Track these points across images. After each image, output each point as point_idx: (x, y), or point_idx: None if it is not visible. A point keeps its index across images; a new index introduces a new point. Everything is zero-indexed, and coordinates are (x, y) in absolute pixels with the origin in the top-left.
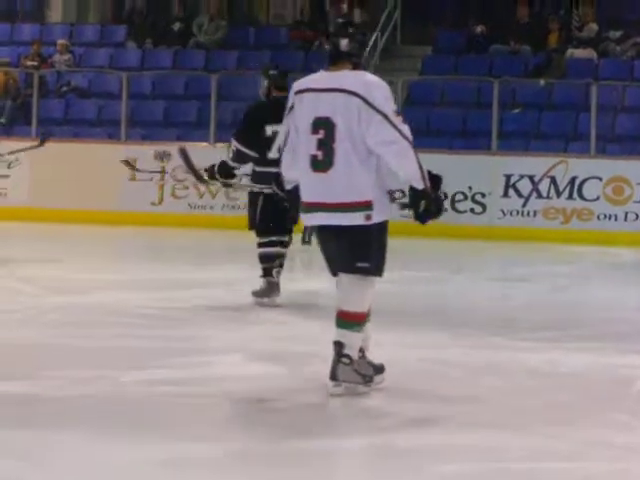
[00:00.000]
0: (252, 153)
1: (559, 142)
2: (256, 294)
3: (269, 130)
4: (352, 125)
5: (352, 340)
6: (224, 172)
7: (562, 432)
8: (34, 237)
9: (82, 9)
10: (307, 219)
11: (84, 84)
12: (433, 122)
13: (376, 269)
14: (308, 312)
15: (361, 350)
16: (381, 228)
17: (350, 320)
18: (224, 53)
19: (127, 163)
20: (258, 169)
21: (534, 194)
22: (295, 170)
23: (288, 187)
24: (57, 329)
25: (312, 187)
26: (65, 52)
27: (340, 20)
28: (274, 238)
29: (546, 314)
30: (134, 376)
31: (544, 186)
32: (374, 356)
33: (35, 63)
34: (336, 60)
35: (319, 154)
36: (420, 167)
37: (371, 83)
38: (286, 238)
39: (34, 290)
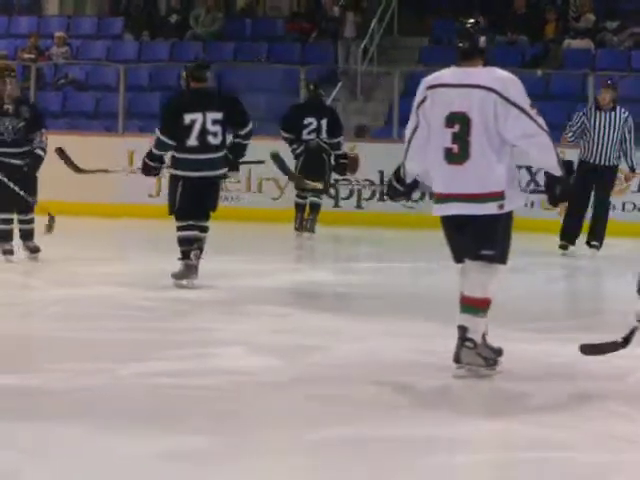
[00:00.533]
0: (171, 142)
1: (556, 132)
2: (175, 276)
3: (187, 119)
4: (488, 119)
5: (476, 324)
6: (152, 159)
7: (565, 422)
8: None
9: (79, 2)
10: (441, 209)
11: (81, 76)
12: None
13: (501, 257)
14: (309, 304)
15: (482, 334)
16: (508, 217)
17: (474, 305)
18: (221, 45)
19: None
20: (177, 155)
21: (532, 185)
22: (419, 163)
23: (408, 180)
24: (58, 322)
25: (447, 179)
26: (62, 45)
27: (472, 20)
28: (192, 222)
29: (542, 305)
30: (134, 369)
31: (542, 177)
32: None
33: (32, 56)
34: (471, 56)
35: (454, 147)
36: (557, 155)
37: (506, 79)
38: (205, 223)
39: (35, 283)
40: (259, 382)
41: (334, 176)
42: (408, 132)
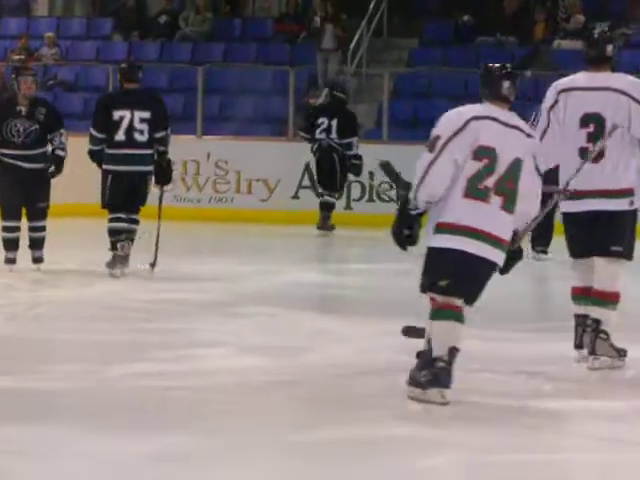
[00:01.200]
0: (100, 135)
1: None
2: (107, 265)
3: (116, 115)
4: (621, 120)
5: (608, 317)
6: (91, 156)
7: (547, 423)
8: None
9: (68, 2)
10: (575, 205)
11: (71, 77)
12: (420, 114)
13: (628, 253)
14: (298, 305)
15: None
16: (634, 214)
17: (606, 298)
18: (210, 46)
19: None
20: (107, 150)
21: None
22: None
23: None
24: (47, 323)
25: (583, 176)
26: (52, 46)
27: (604, 29)
28: (121, 215)
29: (526, 305)
30: (122, 370)
31: None
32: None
33: (22, 57)
34: (601, 63)
35: (589, 146)
36: None
37: (638, 83)
38: (134, 216)
39: (24, 285)
40: (246, 383)
41: (350, 177)
42: (538, 133)
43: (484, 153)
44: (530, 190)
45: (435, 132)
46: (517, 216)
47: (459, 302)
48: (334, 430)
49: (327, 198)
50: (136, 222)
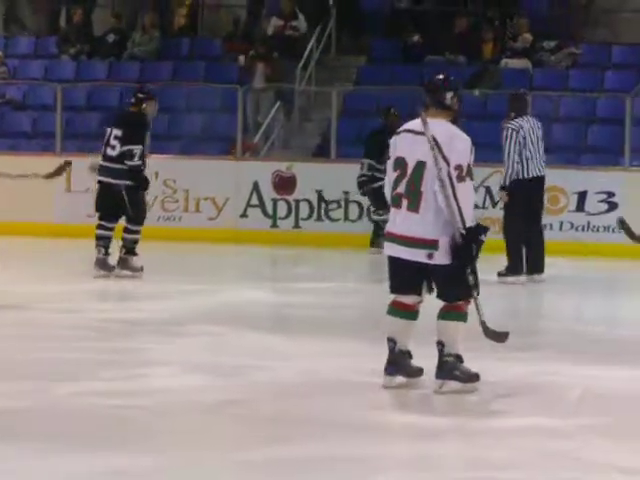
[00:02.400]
0: None
1: (494, 152)
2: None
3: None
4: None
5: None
6: None
7: (497, 440)
8: None
9: (16, 21)
10: None
11: (19, 96)
12: (368, 132)
13: None
14: (246, 323)
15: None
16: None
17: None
18: (158, 64)
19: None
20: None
21: None
22: None
23: None
24: None
25: None
26: (0, 64)
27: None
28: (101, 222)
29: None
30: (73, 388)
31: (479, 196)
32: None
33: None
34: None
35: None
36: None
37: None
38: (111, 224)
39: None
40: (193, 402)
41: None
42: None
43: (398, 164)
44: (429, 188)
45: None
46: (443, 211)
47: (405, 299)
48: (281, 448)
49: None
50: (111, 230)
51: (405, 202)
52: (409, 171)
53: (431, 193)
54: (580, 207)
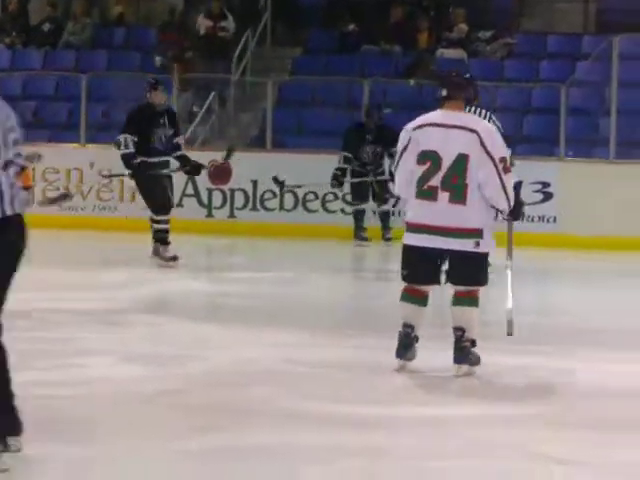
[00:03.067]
0: None
1: None
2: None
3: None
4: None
5: None
6: None
7: (448, 430)
8: None
9: None
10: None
11: None
12: (304, 122)
13: None
14: (182, 313)
15: None
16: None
17: None
18: (94, 54)
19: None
20: None
21: None
22: None
23: None
24: None
25: None
26: None
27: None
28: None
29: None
30: None
31: None
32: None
33: None
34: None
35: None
36: None
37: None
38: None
39: None
40: (130, 391)
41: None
42: None
43: (427, 157)
44: (487, 176)
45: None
46: (487, 202)
47: (420, 287)
48: (217, 437)
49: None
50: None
51: (446, 194)
52: (446, 164)
53: (476, 184)
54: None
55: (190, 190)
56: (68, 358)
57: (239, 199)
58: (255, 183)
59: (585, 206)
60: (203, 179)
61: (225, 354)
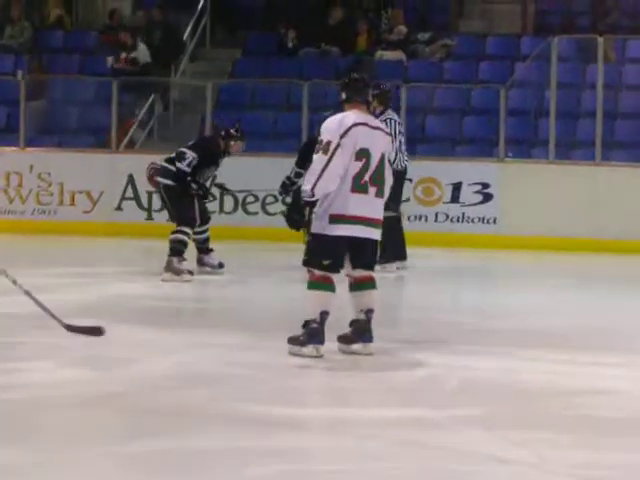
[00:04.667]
0: None
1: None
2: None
3: None
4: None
5: None
6: None
7: (374, 432)
8: None
9: None
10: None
11: None
12: (243, 125)
13: None
14: (121, 316)
15: None
16: None
17: None
18: (33, 57)
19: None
20: None
21: None
22: None
23: None
24: None
25: None
26: None
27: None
28: None
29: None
30: None
31: None
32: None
33: None
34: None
35: None
36: None
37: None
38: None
39: None
40: (71, 395)
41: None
42: None
43: (363, 154)
44: (387, 177)
45: (325, 137)
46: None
47: (334, 276)
48: (159, 441)
49: None
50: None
51: (374, 189)
52: (375, 161)
53: (387, 181)
54: (455, 198)
55: (130, 193)
56: (7, 362)
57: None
58: None
59: (525, 207)
60: (143, 182)
61: (166, 357)
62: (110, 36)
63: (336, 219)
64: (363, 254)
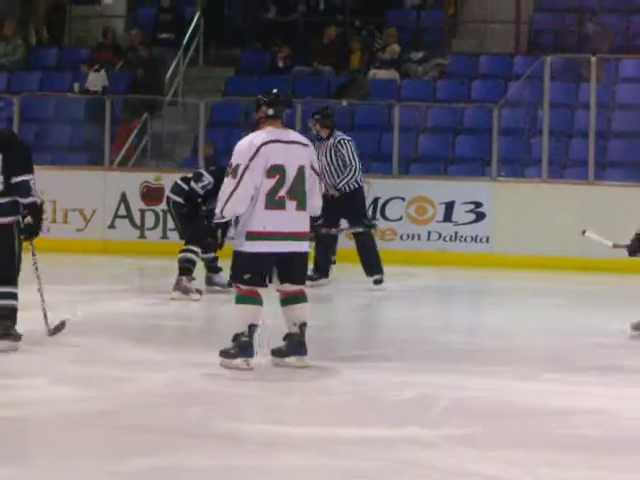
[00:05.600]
0: None
1: (362, 162)
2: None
3: None
4: None
5: None
6: None
7: (365, 452)
8: None
9: None
10: None
11: None
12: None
13: None
14: (113, 334)
15: None
16: None
17: None
18: (26, 75)
19: None
20: None
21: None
22: None
23: None
24: None
25: None
26: None
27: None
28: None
29: (346, 333)
30: None
31: None
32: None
33: None
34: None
35: None
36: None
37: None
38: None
39: None
40: (64, 413)
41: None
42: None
43: (276, 170)
44: (312, 187)
45: (235, 161)
46: (309, 209)
47: (258, 289)
48: (152, 459)
49: None
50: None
51: (293, 203)
52: (291, 176)
53: (308, 192)
54: (448, 217)
55: (123, 211)
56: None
57: (149, 220)
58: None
59: (518, 226)
60: (136, 200)
61: (158, 375)
62: (103, 54)
63: (253, 236)
64: (290, 268)
